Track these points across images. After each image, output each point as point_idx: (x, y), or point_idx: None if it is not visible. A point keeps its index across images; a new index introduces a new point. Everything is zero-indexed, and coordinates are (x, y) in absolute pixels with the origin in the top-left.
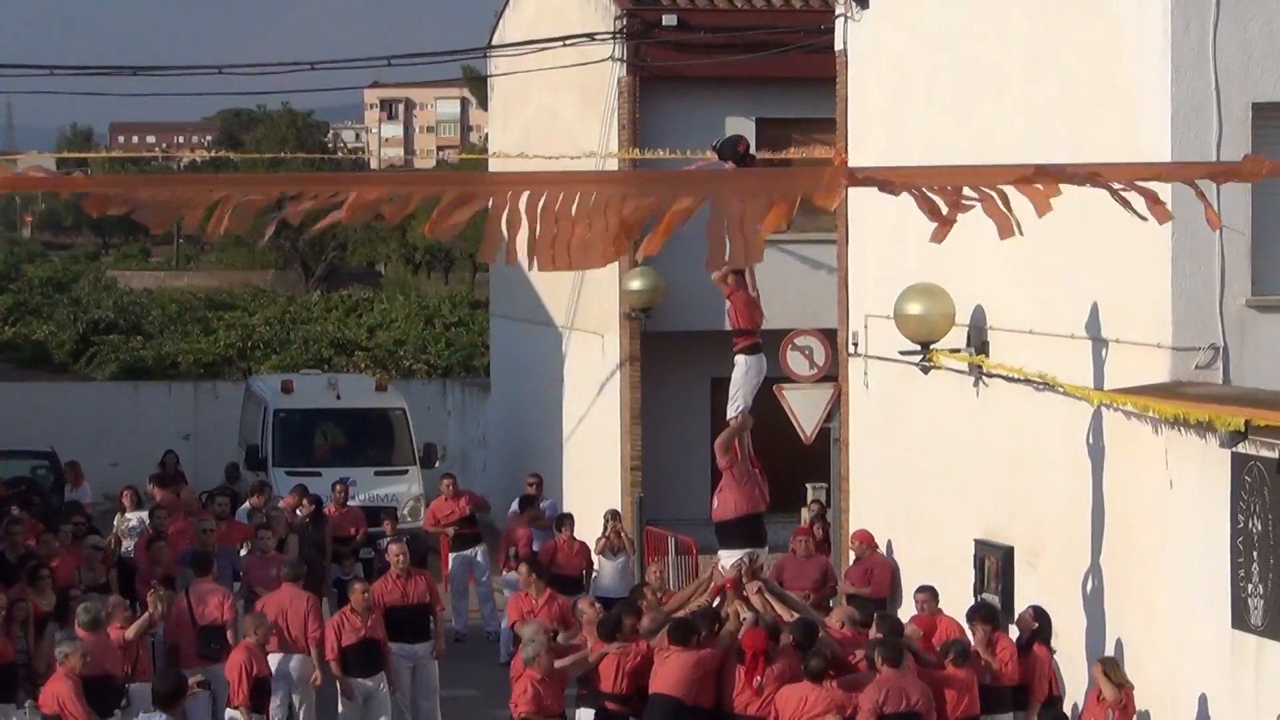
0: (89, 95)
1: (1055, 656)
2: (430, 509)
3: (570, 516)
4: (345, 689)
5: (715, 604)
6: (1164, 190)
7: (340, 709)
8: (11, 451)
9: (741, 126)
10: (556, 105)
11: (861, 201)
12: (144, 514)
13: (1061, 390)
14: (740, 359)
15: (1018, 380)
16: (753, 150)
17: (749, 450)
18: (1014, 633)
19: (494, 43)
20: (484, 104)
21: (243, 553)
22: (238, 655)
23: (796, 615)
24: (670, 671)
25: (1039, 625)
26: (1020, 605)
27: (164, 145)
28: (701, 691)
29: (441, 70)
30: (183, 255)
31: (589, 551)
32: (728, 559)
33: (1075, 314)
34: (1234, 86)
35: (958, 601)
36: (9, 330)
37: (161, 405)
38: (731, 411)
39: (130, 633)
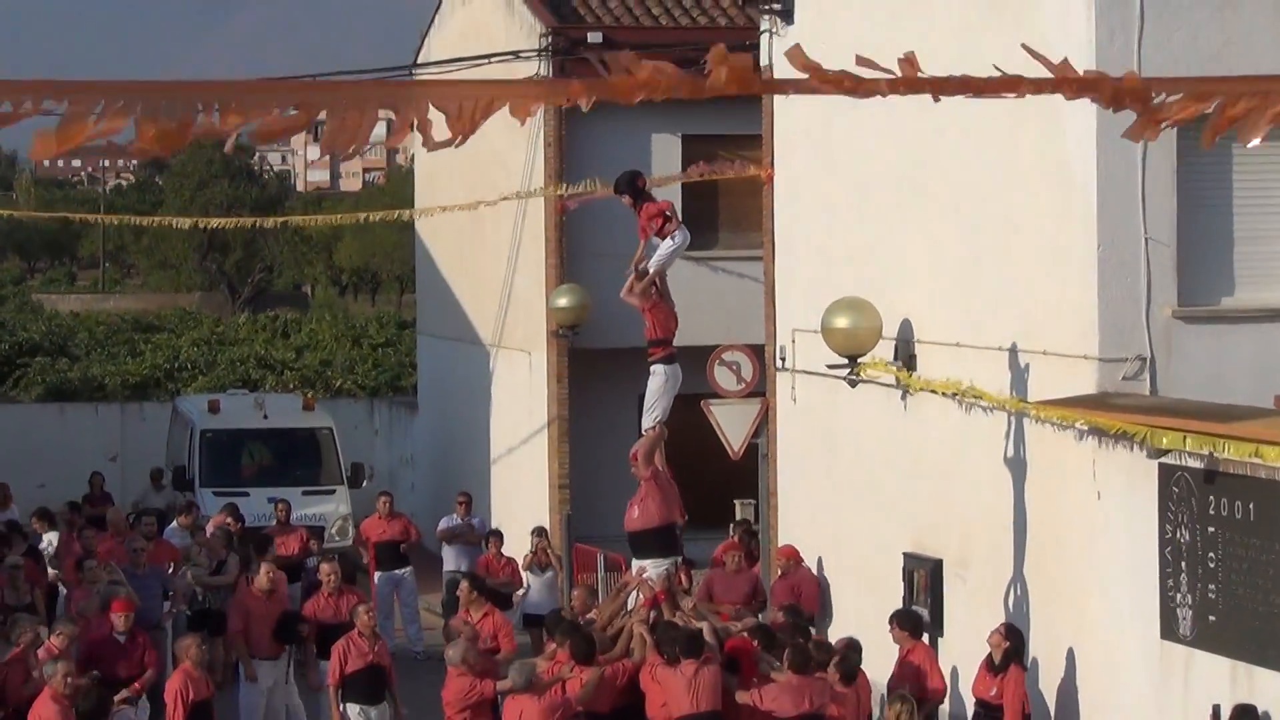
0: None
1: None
2: (363, 527)
3: (499, 532)
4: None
5: (650, 614)
6: (1092, 192)
7: None
8: None
9: (668, 143)
10: (483, 124)
11: (788, 215)
12: (54, 535)
13: (986, 406)
14: (658, 369)
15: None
16: (648, 186)
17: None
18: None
19: (419, 61)
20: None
21: (170, 571)
22: (174, 680)
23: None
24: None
25: (1010, 643)
26: (950, 617)
27: (89, 169)
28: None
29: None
30: (109, 279)
31: (518, 567)
32: (654, 569)
33: (1003, 326)
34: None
35: (887, 614)
36: None
37: (88, 426)
38: (648, 422)
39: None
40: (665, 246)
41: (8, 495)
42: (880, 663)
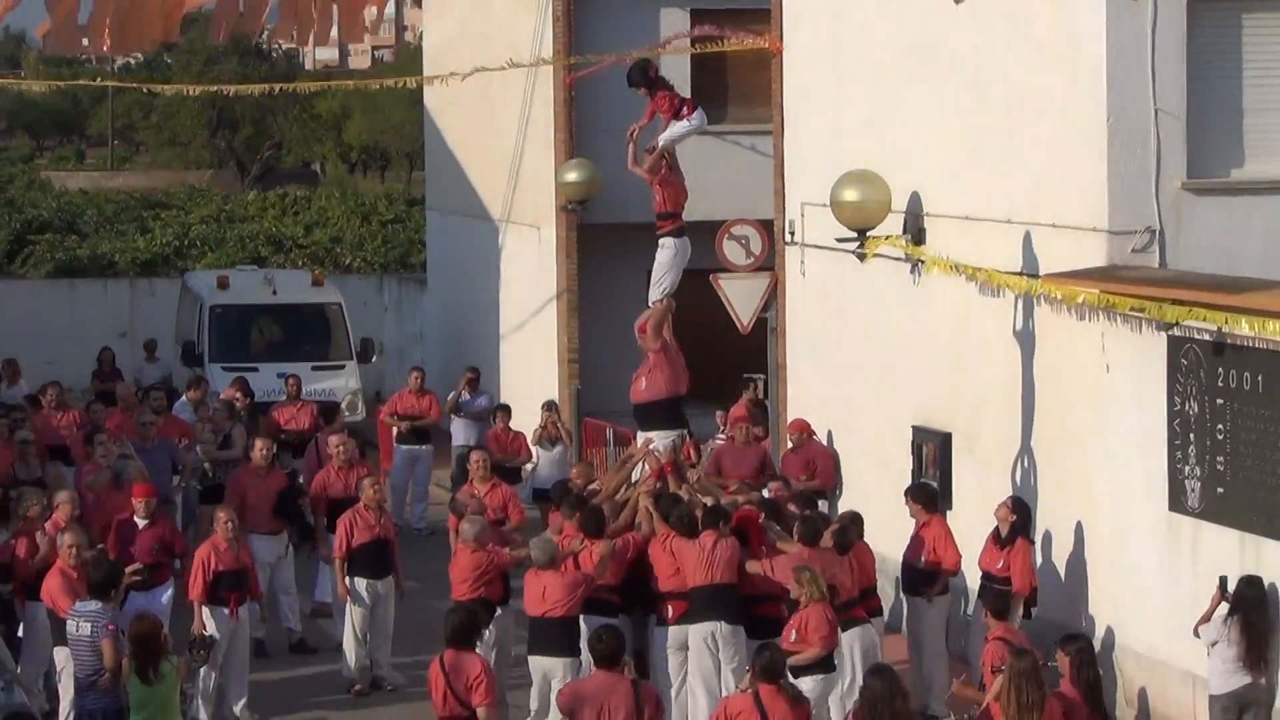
0: None
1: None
2: (391, 400)
3: (507, 406)
4: (353, 593)
5: (657, 485)
6: (1101, 64)
7: (348, 612)
8: None
9: (676, 18)
10: None
11: (797, 89)
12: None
13: (990, 287)
14: (667, 241)
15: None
16: (662, 73)
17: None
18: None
19: None
20: (419, 2)
21: (180, 446)
22: (202, 549)
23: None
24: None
25: (1017, 517)
26: (958, 491)
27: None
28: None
29: None
30: (118, 156)
31: (526, 441)
32: (660, 440)
33: (1012, 199)
34: None
35: (896, 488)
36: None
37: (98, 303)
38: (656, 295)
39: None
40: (680, 126)
41: (16, 371)
42: (888, 536)
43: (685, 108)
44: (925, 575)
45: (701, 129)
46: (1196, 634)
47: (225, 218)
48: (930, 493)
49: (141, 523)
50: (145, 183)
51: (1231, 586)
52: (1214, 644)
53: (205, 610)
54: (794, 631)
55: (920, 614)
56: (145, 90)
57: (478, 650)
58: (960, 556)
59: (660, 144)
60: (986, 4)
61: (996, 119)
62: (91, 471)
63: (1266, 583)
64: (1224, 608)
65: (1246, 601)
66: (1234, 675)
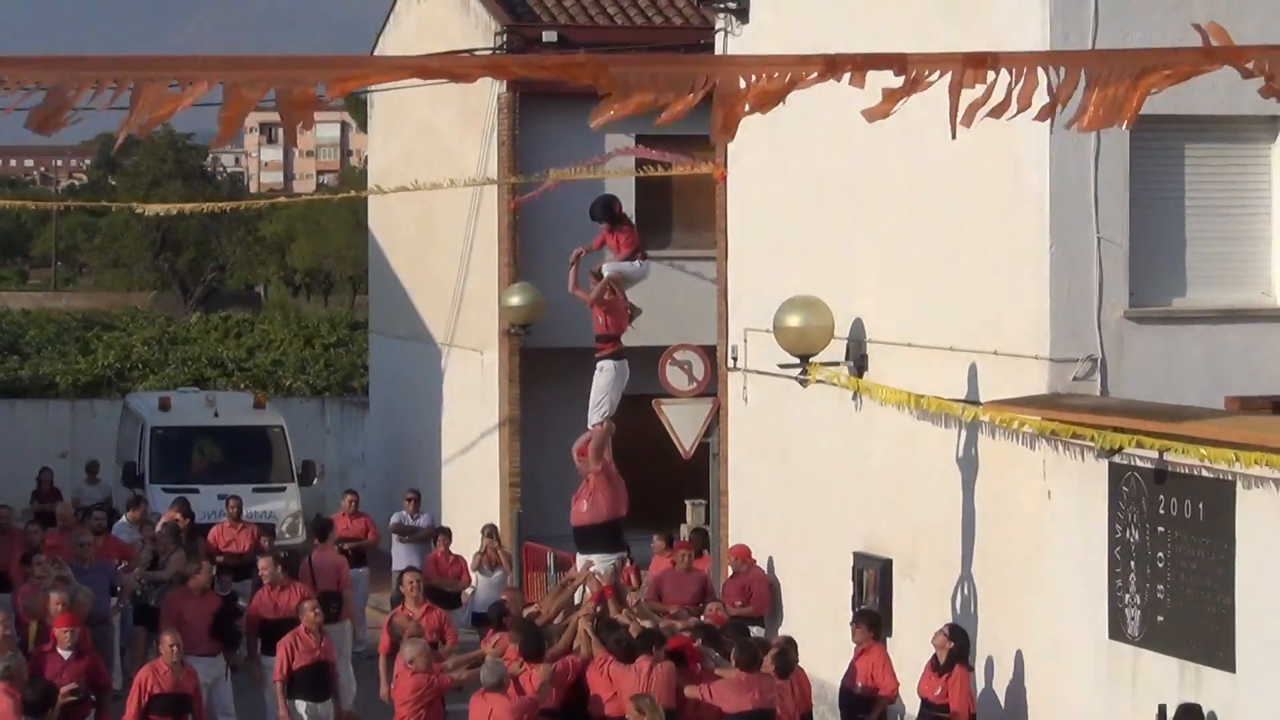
0: None
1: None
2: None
3: (448, 530)
4: (293, 715)
5: (597, 609)
6: (1045, 192)
7: None
8: None
9: (621, 144)
10: (436, 122)
11: (740, 215)
12: None
13: (932, 414)
14: (606, 364)
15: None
16: (626, 210)
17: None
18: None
19: (374, 57)
20: (364, 127)
21: (120, 567)
22: (141, 673)
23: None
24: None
25: (955, 644)
26: (899, 617)
27: (42, 169)
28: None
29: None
30: (61, 278)
31: (466, 566)
32: (601, 564)
33: (954, 326)
34: None
35: (837, 613)
36: None
37: (39, 423)
38: (595, 418)
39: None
40: (632, 267)
41: None
42: (828, 662)
43: (639, 254)
44: (862, 701)
45: (644, 277)
46: None
47: (168, 339)
48: (875, 618)
49: (65, 654)
50: (88, 304)
51: (1170, 715)
52: None
53: None
54: None
55: None
56: (95, 206)
57: None
58: (898, 684)
59: (607, 272)
60: (928, 130)
61: (939, 246)
62: (29, 593)
63: (1206, 710)
64: None
65: None
66: None
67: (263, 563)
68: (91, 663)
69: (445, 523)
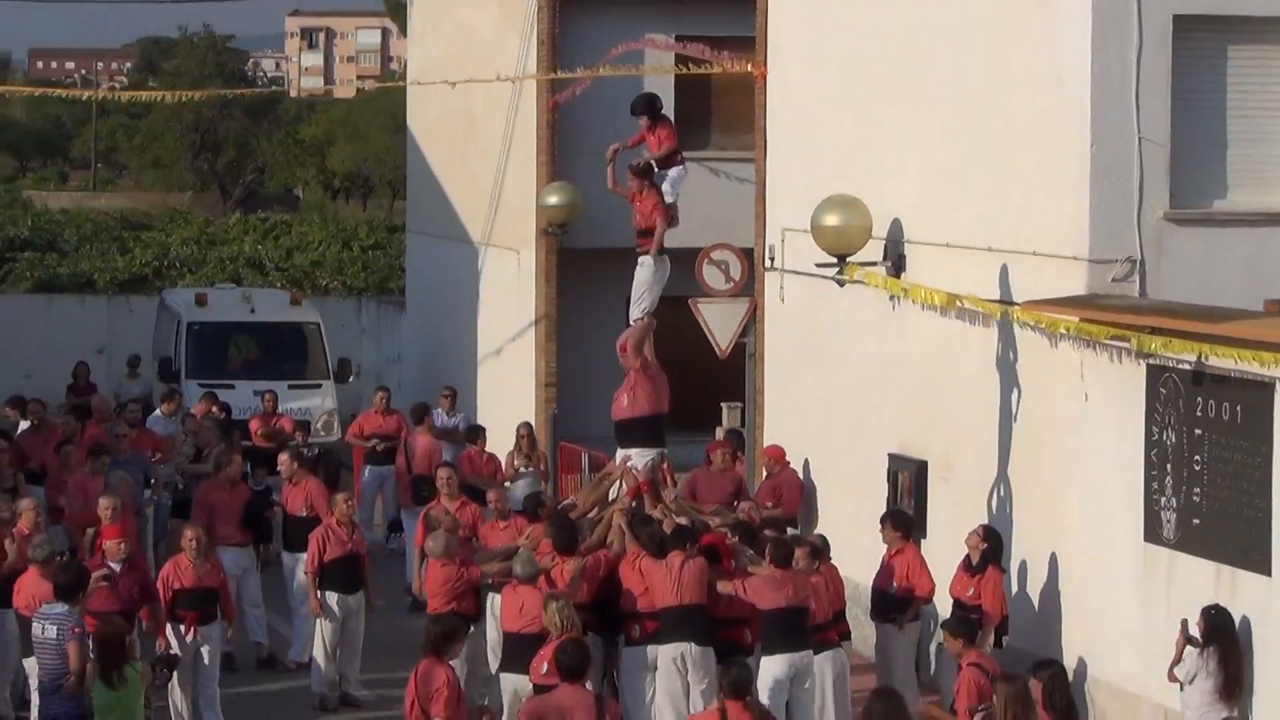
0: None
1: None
2: (358, 420)
3: (482, 428)
4: (324, 607)
5: (633, 504)
6: (1085, 92)
7: (318, 627)
8: None
9: (660, 41)
10: (476, 20)
11: (780, 115)
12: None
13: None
14: (646, 259)
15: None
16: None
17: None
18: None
19: None
20: (404, 31)
21: (153, 459)
22: (165, 568)
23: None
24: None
25: (988, 545)
26: (933, 519)
27: (83, 72)
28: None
29: None
30: (100, 178)
31: (500, 464)
32: (640, 458)
33: (992, 226)
34: None
35: (872, 515)
36: None
37: (75, 319)
38: (636, 312)
39: None
40: (675, 173)
41: None
42: (862, 563)
43: (678, 156)
44: (898, 601)
45: (684, 179)
46: (1171, 677)
47: (206, 240)
48: (907, 520)
49: (116, 566)
50: (127, 204)
51: (1193, 625)
52: (1192, 679)
53: (168, 627)
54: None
55: (891, 640)
56: (128, 109)
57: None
58: (934, 584)
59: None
60: (970, 31)
61: (979, 146)
62: (75, 487)
63: (1238, 614)
64: (1192, 650)
65: (1222, 631)
66: (1213, 709)
67: (282, 458)
68: (142, 575)
69: (480, 422)
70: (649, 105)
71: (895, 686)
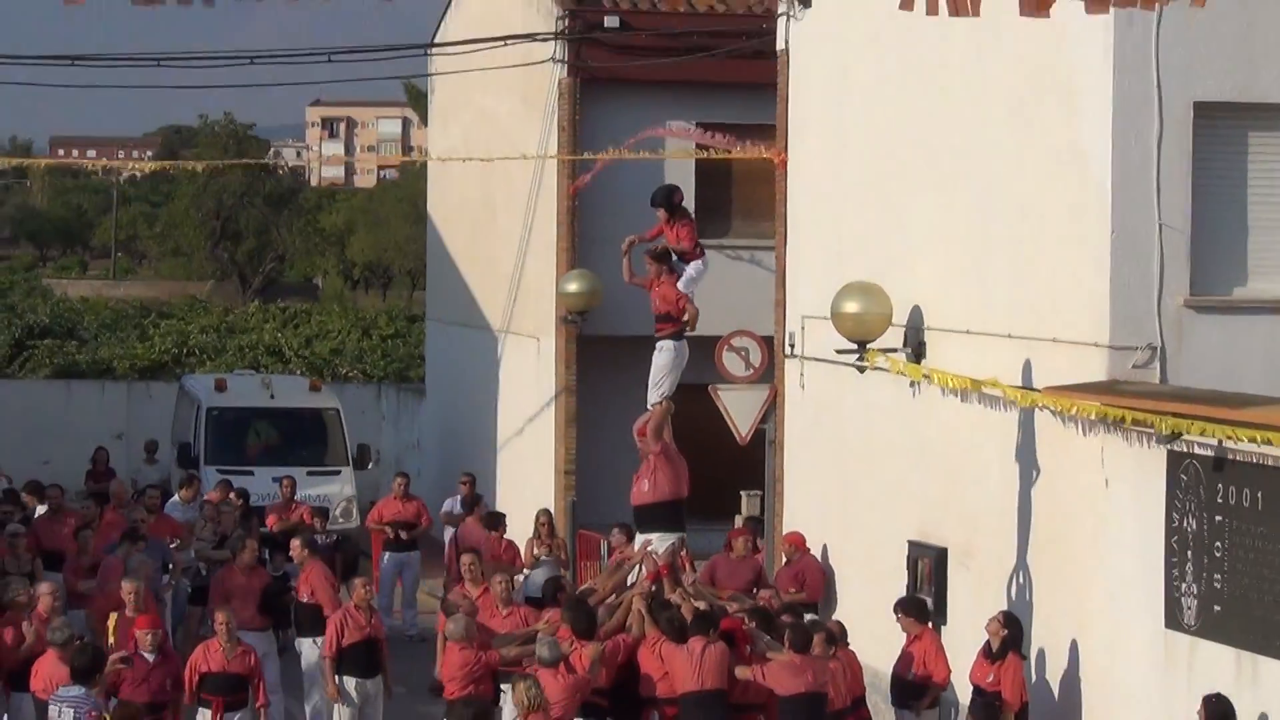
0: (26, 87)
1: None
2: (377, 506)
3: (502, 515)
4: (342, 692)
5: (652, 589)
6: (1106, 178)
7: (336, 713)
8: None
9: (681, 129)
10: (497, 108)
11: (800, 201)
12: (43, 508)
13: (995, 393)
14: (665, 344)
15: (953, 386)
16: (686, 199)
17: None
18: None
19: (436, 41)
20: (425, 121)
21: (172, 545)
22: (195, 653)
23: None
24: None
25: (1009, 631)
26: (954, 606)
27: (104, 160)
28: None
29: (383, 84)
30: (120, 267)
31: (519, 551)
32: (660, 543)
33: (1013, 313)
34: (1176, 84)
35: (891, 602)
36: None
37: (95, 404)
38: (654, 397)
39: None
40: (695, 269)
41: None
42: (882, 651)
43: (698, 250)
44: (914, 688)
45: (707, 270)
46: None
47: (225, 328)
48: (920, 605)
49: (149, 656)
50: (147, 292)
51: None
52: None
53: (199, 713)
54: None
55: None
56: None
57: None
58: (949, 670)
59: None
60: (991, 117)
61: (999, 232)
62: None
63: (1260, 702)
64: None
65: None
66: None
67: (294, 543)
68: (174, 665)
69: (500, 508)
70: (668, 198)
71: None
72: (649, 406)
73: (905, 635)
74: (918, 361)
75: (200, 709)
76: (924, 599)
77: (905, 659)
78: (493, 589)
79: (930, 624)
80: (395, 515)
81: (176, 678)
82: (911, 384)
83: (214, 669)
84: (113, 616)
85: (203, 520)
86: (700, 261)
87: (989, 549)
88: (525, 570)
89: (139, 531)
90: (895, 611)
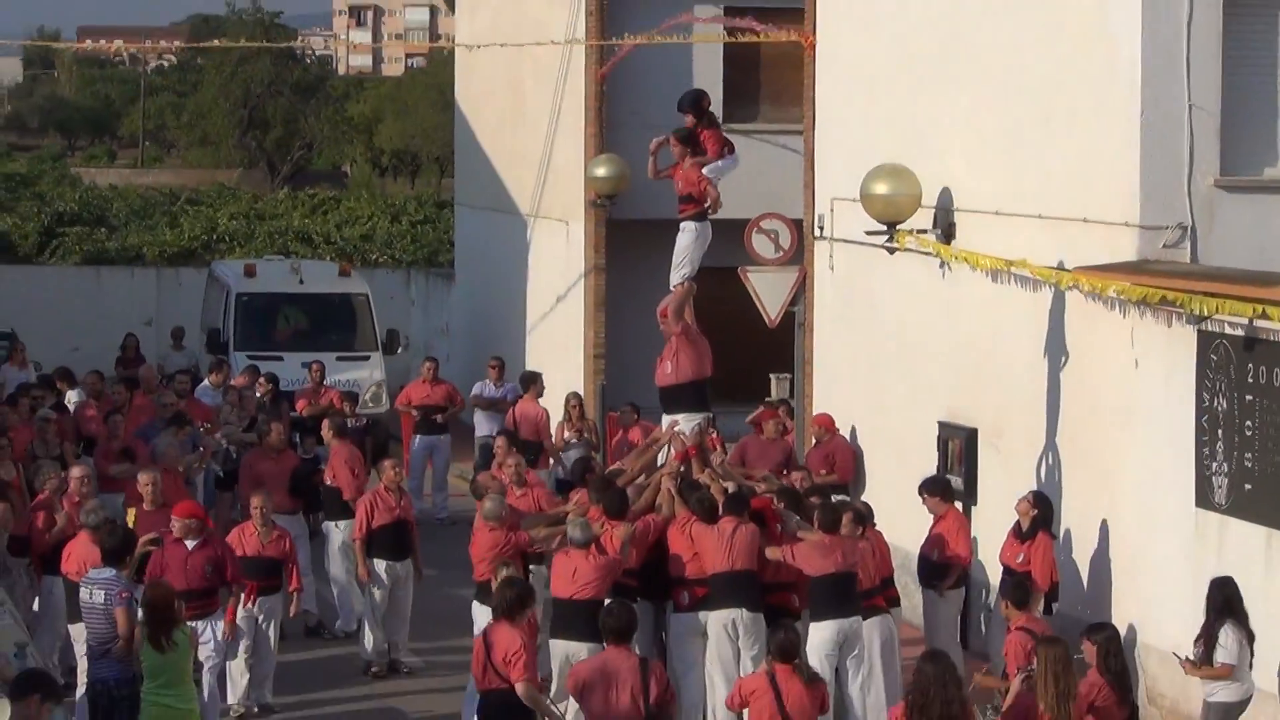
0: None
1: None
2: (405, 390)
3: (538, 374)
4: (372, 574)
5: (680, 469)
6: (1136, 58)
7: (367, 595)
8: None
9: (709, 13)
10: None
11: (828, 84)
12: (74, 394)
13: (1025, 274)
14: (688, 225)
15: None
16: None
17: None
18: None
19: None
20: (452, 9)
21: (203, 430)
22: (230, 537)
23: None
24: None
25: (1038, 511)
26: (984, 486)
27: (131, 49)
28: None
29: None
30: (148, 156)
31: (549, 417)
32: (686, 423)
33: (1043, 194)
34: None
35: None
36: None
37: (124, 291)
38: (676, 278)
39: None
40: (725, 161)
41: (24, 357)
42: (911, 531)
43: (727, 148)
44: (939, 568)
45: (735, 166)
46: (1189, 659)
47: (254, 215)
48: (945, 485)
49: (190, 544)
50: (175, 180)
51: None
52: (1234, 666)
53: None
54: None
55: (933, 607)
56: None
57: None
58: (969, 551)
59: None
60: None
61: (1029, 113)
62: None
63: None
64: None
65: (1234, 601)
66: (1240, 681)
67: (324, 425)
68: (217, 550)
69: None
70: (695, 103)
71: None
72: (671, 288)
73: (933, 516)
74: (947, 243)
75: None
76: (948, 479)
77: (930, 540)
78: (505, 470)
79: (955, 504)
80: (424, 399)
81: (219, 563)
82: (941, 265)
83: (249, 553)
84: (131, 511)
85: (228, 406)
86: (732, 157)
87: (1019, 429)
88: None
89: (184, 416)
90: (920, 492)
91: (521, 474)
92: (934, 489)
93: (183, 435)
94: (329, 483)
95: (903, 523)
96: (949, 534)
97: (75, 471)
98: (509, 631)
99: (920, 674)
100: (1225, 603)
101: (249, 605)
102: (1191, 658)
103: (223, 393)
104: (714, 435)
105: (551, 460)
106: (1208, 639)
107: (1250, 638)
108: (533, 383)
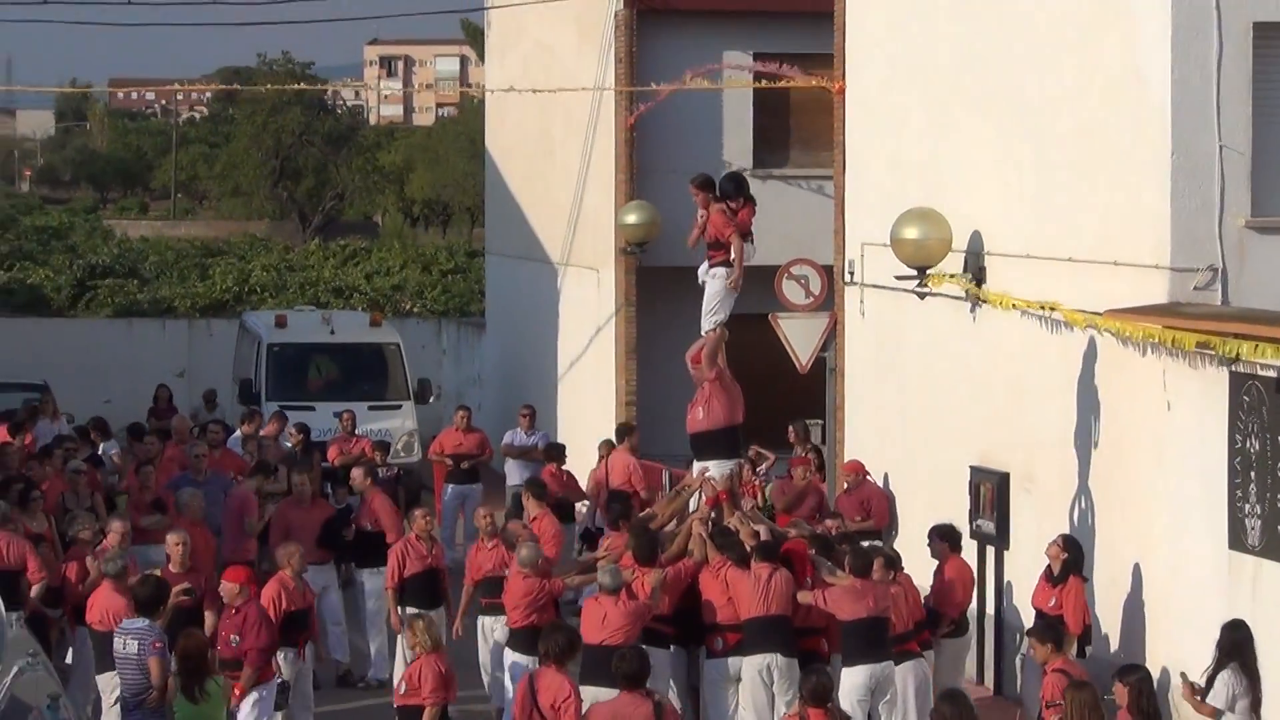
0: (88, 25)
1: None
2: (438, 438)
3: (562, 446)
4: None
5: (712, 514)
6: (1166, 101)
7: (399, 643)
8: (5, 384)
9: (738, 61)
10: (553, 41)
11: (859, 129)
12: (108, 445)
13: (1056, 317)
14: (719, 271)
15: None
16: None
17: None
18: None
19: None
20: (482, 57)
21: (235, 480)
22: (269, 589)
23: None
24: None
25: (1069, 555)
26: (1016, 531)
27: (162, 101)
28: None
29: (440, 23)
30: (180, 207)
31: (577, 482)
32: (717, 469)
33: (1073, 237)
34: (1235, 4)
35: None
36: (4, 275)
37: (155, 342)
38: (708, 325)
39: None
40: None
41: (56, 408)
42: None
43: (749, 236)
44: (932, 615)
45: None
46: (1194, 684)
47: (286, 266)
48: (948, 532)
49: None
50: (207, 232)
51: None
52: (1233, 704)
53: (278, 653)
54: (403, 684)
55: (937, 654)
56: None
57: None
58: (965, 601)
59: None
60: (1050, 41)
61: (1059, 156)
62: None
63: None
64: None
65: (1245, 645)
66: None
67: (355, 472)
68: (254, 610)
69: (561, 440)
70: (740, 187)
71: None
72: (703, 334)
73: (937, 561)
74: (978, 287)
75: (282, 648)
76: (949, 526)
77: (937, 584)
78: (478, 521)
79: (960, 552)
80: (456, 447)
81: (257, 622)
82: (972, 309)
83: (294, 606)
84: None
85: (248, 455)
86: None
87: (1051, 473)
88: (584, 502)
89: (269, 465)
90: (930, 536)
91: (493, 526)
92: (944, 535)
93: (269, 483)
94: (369, 528)
95: (933, 568)
96: (945, 584)
97: (114, 525)
98: (557, 677)
99: (938, 714)
100: (1233, 646)
101: (300, 662)
102: (1198, 685)
103: (241, 442)
104: (756, 482)
105: (581, 510)
106: (1210, 678)
107: (1255, 682)
108: (628, 434)
